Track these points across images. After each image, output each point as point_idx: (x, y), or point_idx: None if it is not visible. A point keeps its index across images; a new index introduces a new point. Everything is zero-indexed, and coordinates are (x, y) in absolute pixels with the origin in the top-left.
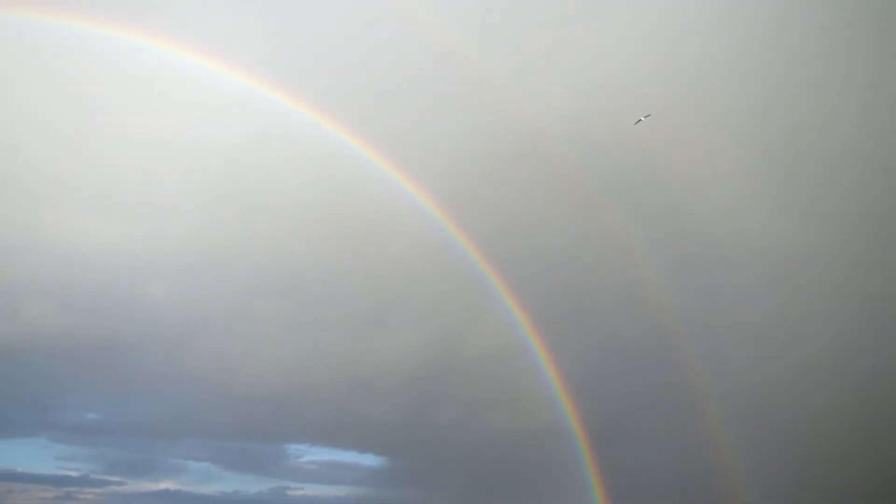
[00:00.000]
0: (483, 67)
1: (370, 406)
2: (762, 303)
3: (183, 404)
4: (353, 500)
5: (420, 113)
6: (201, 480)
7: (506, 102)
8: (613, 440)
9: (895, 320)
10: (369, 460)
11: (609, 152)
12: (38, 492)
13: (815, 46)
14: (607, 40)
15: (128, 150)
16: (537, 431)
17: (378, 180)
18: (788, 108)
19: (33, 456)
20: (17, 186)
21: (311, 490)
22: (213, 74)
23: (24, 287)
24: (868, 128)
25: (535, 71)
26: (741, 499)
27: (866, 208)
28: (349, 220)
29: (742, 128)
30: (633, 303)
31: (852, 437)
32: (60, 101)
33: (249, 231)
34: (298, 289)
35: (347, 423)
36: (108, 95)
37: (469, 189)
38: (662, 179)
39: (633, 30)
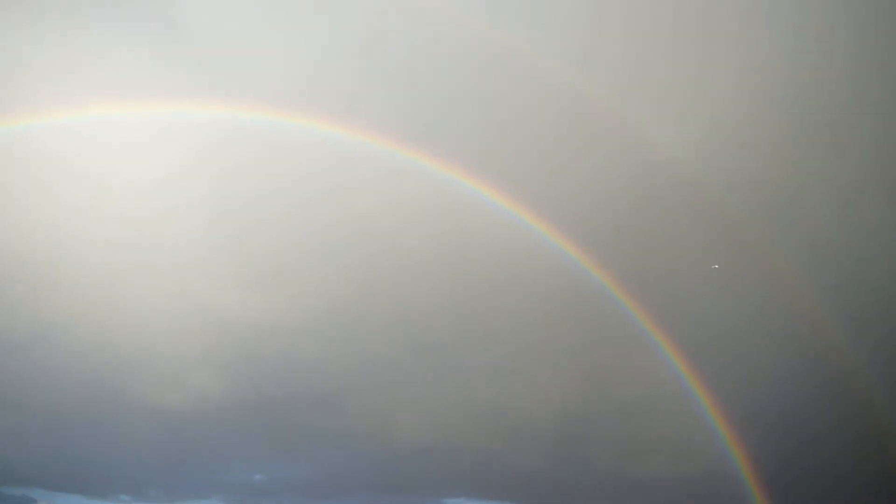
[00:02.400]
0: (610, 103)
1: (521, 455)
2: None
3: (340, 462)
4: None
5: (548, 153)
6: None
7: (635, 137)
8: (787, 479)
9: None
10: None
11: (742, 183)
12: None
13: None
14: (732, 74)
15: (273, 222)
16: (701, 475)
17: (511, 226)
18: None
19: None
20: (180, 267)
21: None
22: (340, 141)
23: (189, 359)
24: None
25: (662, 105)
26: None
27: None
28: (485, 267)
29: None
30: (789, 329)
31: None
32: (206, 181)
33: (388, 290)
34: (440, 342)
35: (500, 474)
36: (247, 171)
37: (606, 226)
38: (800, 206)
39: (757, 61)
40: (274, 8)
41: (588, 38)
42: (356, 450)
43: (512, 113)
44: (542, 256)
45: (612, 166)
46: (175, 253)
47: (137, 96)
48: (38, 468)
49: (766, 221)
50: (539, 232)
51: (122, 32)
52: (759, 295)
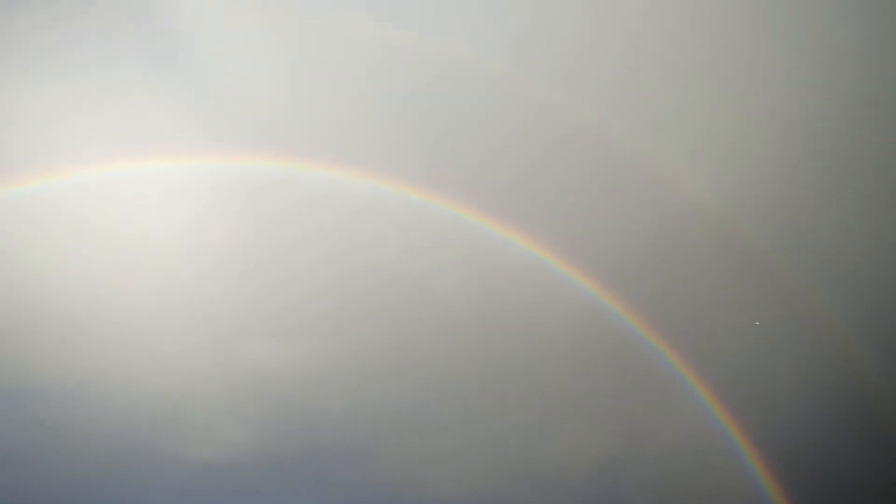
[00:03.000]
0: (636, 145)
1: None
2: None
3: None
4: None
5: (574, 195)
6: None
7: (662, 178)
8: None
9: None
10: None
11: (772, 221)
12: None
13: None
14: (755, 114)
15: (300, 271)
16: None
17: (541, 273)
18: None
19: None
20: (206, 318)
21: None
22: (365, 189)
23: (219, 411)
24: None
25: (689, 147)
26: None
27: None
28: (515, 315)
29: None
30: (832, 370)
31: None
32: (230, 232)
33: (417, 339)
34: (470, 393)
35: None
36: (273, 221)
37: (636, 270)
38: (838, 242)
39: (784, 93)
40: (296, 57)
41: (619, 83)
42: (387, 502)
43: (535, 157)
44: (574, 303)
45: (641, 208)
46: (201, 304)
47: (156, 148)
48: None
49: (806, 259)
50: (571, 278)
51: (131, 81)
52: (801, 335)
